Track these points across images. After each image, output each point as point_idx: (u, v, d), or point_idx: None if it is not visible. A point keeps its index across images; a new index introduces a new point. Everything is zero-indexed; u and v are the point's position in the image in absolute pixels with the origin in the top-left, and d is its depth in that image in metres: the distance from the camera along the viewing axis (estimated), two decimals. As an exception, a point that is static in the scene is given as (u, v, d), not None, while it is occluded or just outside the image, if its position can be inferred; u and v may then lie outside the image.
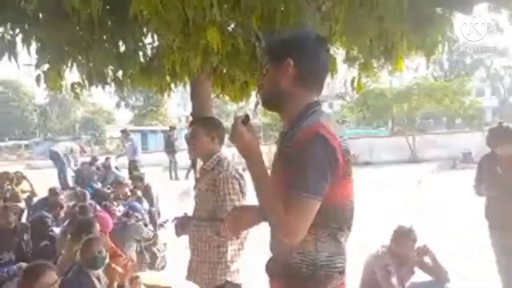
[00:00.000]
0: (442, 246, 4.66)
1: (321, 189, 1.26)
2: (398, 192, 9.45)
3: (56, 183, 8.84)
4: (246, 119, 1.41)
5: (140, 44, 3.38)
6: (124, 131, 11.90)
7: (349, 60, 3.44)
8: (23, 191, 6.85)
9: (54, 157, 9.94)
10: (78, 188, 7.22)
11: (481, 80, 39.97)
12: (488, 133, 3.80)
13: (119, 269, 3.12)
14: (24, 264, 3.69)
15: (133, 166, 10.81)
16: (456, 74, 32.18)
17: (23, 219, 5.63)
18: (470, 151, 14.07)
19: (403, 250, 3.31)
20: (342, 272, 1.40)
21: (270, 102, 1.48)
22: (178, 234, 2.45)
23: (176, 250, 4.83)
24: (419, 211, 7.08)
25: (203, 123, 2.49)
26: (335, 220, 1.36)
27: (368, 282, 3.37)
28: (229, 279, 2.29)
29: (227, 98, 4.22)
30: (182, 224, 2.39)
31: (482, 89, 41.23)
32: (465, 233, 5.72)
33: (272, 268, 1.48)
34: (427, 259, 3.46)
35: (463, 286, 3.75)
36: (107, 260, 3.08)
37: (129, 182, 7.22)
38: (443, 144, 16.01)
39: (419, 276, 3.51)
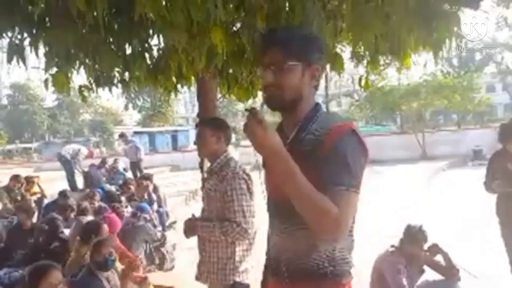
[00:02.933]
0: (453, 245, 4.62)
1: (360, 183, 1.30)
2: (408, 190, 9.38)
3: (65, 185, 8.94)
4: (255, 113, 1.26)
5: (146, 45, 3.38)
6: (122, 135, 11.98)
7: (356, 57, 3.41)
8: (33, 193, 6.94)
9: (62, 159, 10.04)
10: (88, 190, 7.29)
11: (492, 76, 39.51)
12: (500, 129, 3.76)
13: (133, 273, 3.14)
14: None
15: (136, 168, 10.87)
16: (466, 70, 31.84)
17: (34, 221, 5.71)
18: (481, 148, 13.92)
19: (412, 249, 3.29)
20: (351, 268, 1.41)
21: (286, 103, 1.39)
22: (187, 235, 2.45)
23: (185, 250, 4.85)
24: (429, 209, 7.02)
25: (209, 124, 2.50)
26: (352, 216, 1.36)
27: (378, 282, 3.34)
28: (237, 279, 2.28)
29: (233, 98, 4.21)
30: (190, 225, 2.39)
31: (493, 85, 40.75)
32: (476, 230, 5.65)
33: (284, 270, 1.42)
34: (438, 257, 3.43)
35: (475, 284, 3.70)
36: (117, 262, 3.10)
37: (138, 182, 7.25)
38: (454, 141, 15.88)
39: (431, 274, 3.47)
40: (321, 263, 1.35)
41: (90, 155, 11.07)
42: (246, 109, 1.27)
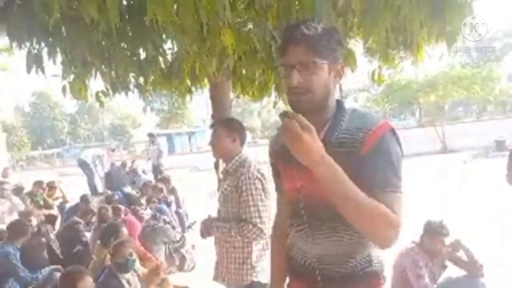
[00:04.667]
0: (476, 238, 4.53)
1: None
2: (429, 185, 9.22)
3: (86, 190, 9.13)
4: (297, 117, 1.17)
5: (160, 50, 3.42)
6: (150, 135, 12.19)
7: (369, 52, 3.38)
8: (56, 198, 7.12)
9: (83, 165, 10.23)
10: (110, 192, 7.43)
11: (513, 64, 38.29)
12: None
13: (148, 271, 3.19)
14: (54, 267, 3.81)
15: (157, 170, 11.02)
16: (485, 60, 31.00)
17: (57, 225, 5.86)
18: (503, 139, 13.54)
19: (433, 245, 3.24)
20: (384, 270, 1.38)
21: (316, 105, 1.29)
22: (203, 235, 2.47)
23: (205, 251, 4.89)
24: (450, 203, 6.89)
25: (224, 125, 2.48)
26: None
27: (399, 278, 3.30)
28: (255, 279, 2.29)
29: (247, 97, 4.22)
30: (207, 226, 2.41)
31: (515, 74, 39.51)
32: (499, 223, 5.51)
33: (323, 276, 1.36)
34: (460, 253, 3.37)
35: (498, 277, 3.60)
36: (137, 263, 3.15)
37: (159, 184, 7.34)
38: (475, 133, 15.52)
39: (453, 270, 3.42)
40: (360, 264, 1.32)
41: (112, 150, 11.21)
42: (281, 114, 1.17)
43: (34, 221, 4.60)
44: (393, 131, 1.28)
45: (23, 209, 5.75)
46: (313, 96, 1.27)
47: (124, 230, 3.57)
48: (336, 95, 1.38)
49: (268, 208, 2.29)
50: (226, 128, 2.44)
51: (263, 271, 2.33)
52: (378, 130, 1.25)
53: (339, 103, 1.36)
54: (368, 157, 1.23)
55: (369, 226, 1.19)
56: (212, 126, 2.59)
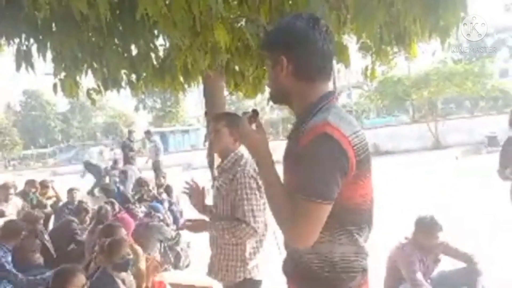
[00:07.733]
0: (469, 234, 4.57)
1: (330, 192, 1.19)
2: (421, 180, 9.27)
3: (82, 189, 9.07)
4: (254, 116, 1.38)
5: (152, 46, 3.39)
6: (147, 132, 12.06)
7: (362, 48, 3.37)
8: (49, 197, 7.06)
9: (89, 166, 10.09)
10: (105, 186, 7.41)
11: (505, 60, 38.62)
12: (510, 115, 3.69)
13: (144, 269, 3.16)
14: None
15: (156, 167, 10.95)
16: (477, 56, 31.23)
17: (50, 224, 5.81)
18: (495, 135, 13.63)
19: (426, 240, 3.24)
20: (363, 272, 1.35)
21: (276, 98, 1.43)
22: (190, 230, 2.44)
23: (201, 248, 4.87)
24: (442, 199, 6.94)
25: (225, 119, 2.37)
26: (351, 221, 1.30)
27: (392, 276, 3.31)
28: (248, 276, 2.27)
29: (241, 94, 4.20)
30: (198, 223, 2.39)
31: (506, 70, 39.83)
32: (491, 218, 5.55)
33: (288, 268, 1.45)
34: (451, 247, 3.38)
35: (489, 272, 3.64)
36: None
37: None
38: (467, 129, 15.61)
39: (447, 264, 3.43)
40: (316, 267, 1.31)
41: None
42: (244, 112, 1.41)
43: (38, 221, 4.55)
44: (325, 134, 1.18)
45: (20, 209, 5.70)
46: (270, 90, 1.43)
47: (123, 230, 3.51)
48: (310, 91, 1.31)
49: (262, 207, 2.27)
50: (228, 123, 2.33)
51: (256, 268, 2.31)
52: (310, 131, 1.22)
53: (319, 100, 1.31)
54: (296, 158, 1.25)
55: (277, 224, 1.29)
56: (216, 118, 2.47)
